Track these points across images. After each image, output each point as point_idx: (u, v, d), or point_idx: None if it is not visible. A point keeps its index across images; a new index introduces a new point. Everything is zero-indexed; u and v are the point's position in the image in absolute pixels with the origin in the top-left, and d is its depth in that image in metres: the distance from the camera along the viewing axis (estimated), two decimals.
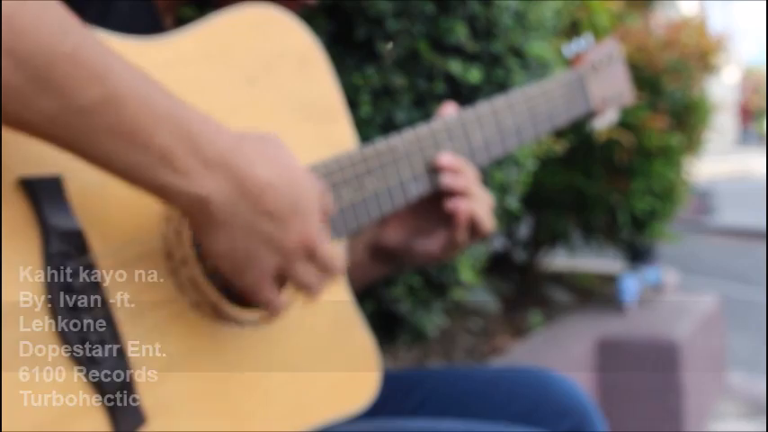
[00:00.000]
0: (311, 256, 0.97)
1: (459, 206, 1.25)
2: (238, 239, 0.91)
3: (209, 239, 0.91)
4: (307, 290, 1.00)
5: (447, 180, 1.25)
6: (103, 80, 0.80)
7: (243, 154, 0.91)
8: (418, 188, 1.24)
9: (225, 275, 0.95)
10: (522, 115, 1.37)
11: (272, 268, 0.95)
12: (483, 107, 1.33)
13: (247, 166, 0.91)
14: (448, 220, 1.27)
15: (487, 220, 1.28)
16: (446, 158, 1.25)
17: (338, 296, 1.15)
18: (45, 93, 0.78)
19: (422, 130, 1.25)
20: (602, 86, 1.55)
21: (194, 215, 0.89)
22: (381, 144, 1.20)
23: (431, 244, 1.29)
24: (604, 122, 1.58)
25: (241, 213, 0.90)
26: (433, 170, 1.25)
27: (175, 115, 0.85)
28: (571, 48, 1.56)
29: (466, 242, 1.29)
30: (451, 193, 1.26)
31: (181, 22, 1.21)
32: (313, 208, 0.97)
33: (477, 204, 1.27)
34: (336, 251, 1.01)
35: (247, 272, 0.93)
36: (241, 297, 1.05)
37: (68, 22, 0.80)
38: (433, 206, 1.28)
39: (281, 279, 0.97)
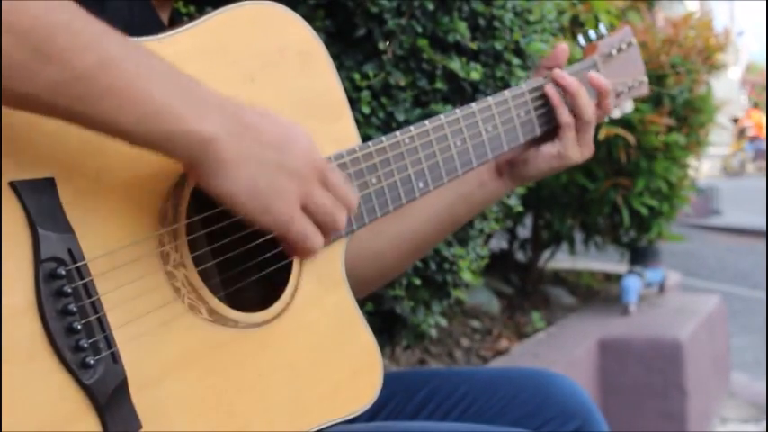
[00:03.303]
0: (325, 181, 1.00)
1: (550, 90, 1.35)
2: (256, 173, 0.93)
3: (227, 182, 0.92)
4: (328, 221, 1.00)
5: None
6: (98, 46, 0.83)
7: (230, 100, 0.94)
8: (424, 185, 1.21)
9: (250, 218, 0.95)
10: (529, 107, 1.35)
11: (296, 196, 0.97)
12: (497, 97, 1.31)
13: (239, 106, 0.95)
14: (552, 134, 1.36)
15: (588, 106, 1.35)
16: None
17: (339, 296, 1.13)
18: (47, 64, 0.80)
19: (434, 121, 1.22)
20: (616, 75, 1.51)
21: (203, 160, 0.90)
22: (389, 138, 1.18)
23: (546, 147, 1.36)
24: (619, 112, 1.55)
25: (248, 146, 0.93)
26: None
27: (167, 72, 0.89)
28: (585, 37, 1.52)
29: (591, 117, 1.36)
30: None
31: (178, 16, 1.20)
32: (309, 137, 1.00)
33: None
34: (347, 182, 1.04)
35: (275, 205, 0.95)
36: (238, 299, 1.03)
37: None
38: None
39: (305, 211, 0.99)
